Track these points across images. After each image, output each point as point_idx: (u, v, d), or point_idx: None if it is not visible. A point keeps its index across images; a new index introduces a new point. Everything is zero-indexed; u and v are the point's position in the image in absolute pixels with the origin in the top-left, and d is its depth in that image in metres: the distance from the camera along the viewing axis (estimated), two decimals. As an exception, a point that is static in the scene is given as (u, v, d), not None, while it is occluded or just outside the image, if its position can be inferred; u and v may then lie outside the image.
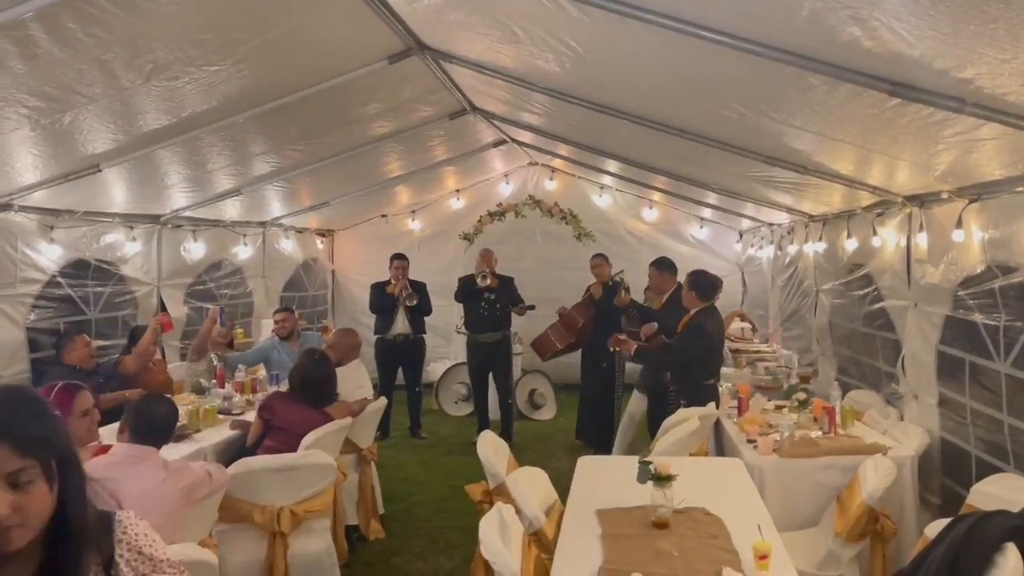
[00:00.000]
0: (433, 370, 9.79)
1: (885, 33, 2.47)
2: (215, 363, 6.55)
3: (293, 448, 4.44)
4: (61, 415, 3.48)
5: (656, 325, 6.53)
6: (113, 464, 3.20)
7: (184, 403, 5.56)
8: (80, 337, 5.56)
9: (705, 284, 5.88)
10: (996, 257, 3.95)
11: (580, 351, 7.99)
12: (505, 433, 7.61)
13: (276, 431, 4.58)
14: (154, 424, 3.40)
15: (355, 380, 5.65)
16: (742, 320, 8.50)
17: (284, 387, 5.47)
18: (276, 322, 7.07)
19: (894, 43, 2.52)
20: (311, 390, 4.70)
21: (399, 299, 8.18)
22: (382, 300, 8.29)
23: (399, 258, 8.43)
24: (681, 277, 6.49)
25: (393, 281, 8.29)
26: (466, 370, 8.90)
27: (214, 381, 6.32)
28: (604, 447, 7.44)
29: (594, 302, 7.67)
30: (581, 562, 3.09)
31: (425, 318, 8.48)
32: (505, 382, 8.21)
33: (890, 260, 5.35)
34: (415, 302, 8.19)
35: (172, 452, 4.32)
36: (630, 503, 3.63)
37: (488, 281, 7.89)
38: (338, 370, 5.36)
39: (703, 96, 4.34)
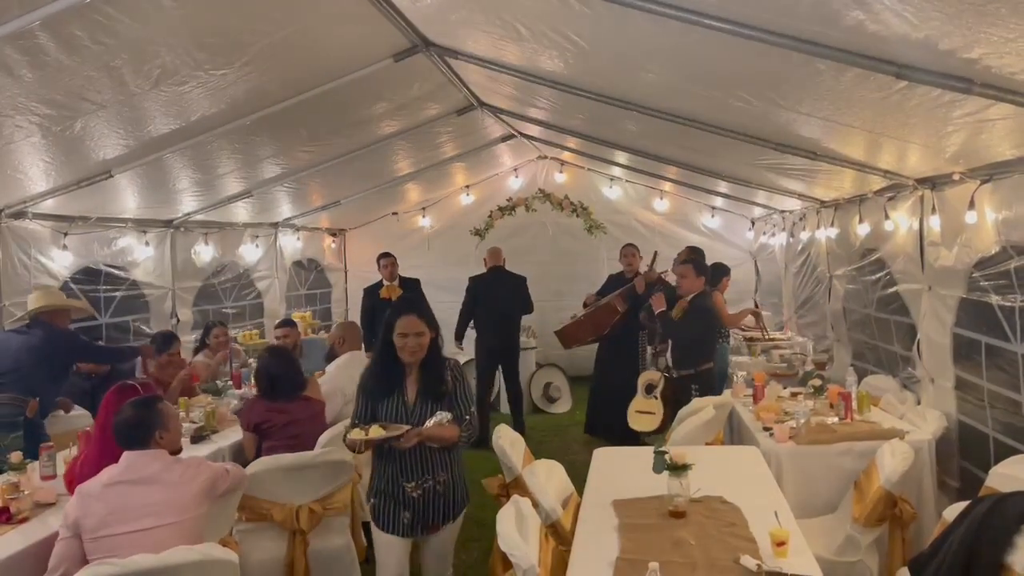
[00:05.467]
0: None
1: (889, 16, 2.46)
2: (232, 365, 6.63)
3: (292, 444, 4.46)
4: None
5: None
6: (131, 472, 3.21)
7: (200, 404, 5.61)
8: None
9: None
10: (1011, 238, 3.92)
11: (596, 344, 7.98)
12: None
13: (270, 434, 4.59)
14: (142, 426, 3.36)
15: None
16: (755, 316, 8.42)
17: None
18: (277, 338, 7.05)
19: (898, 25, 2.51)
20: (280, 384, 4.73)
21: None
22: (376, 303, 8.30)
23: (386, 256, 8.48)
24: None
25: (386, 282, 8.34)
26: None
27: (229, 382, 6.37)
28: (623, 437, 7.36)
29: (633, 296, 7.60)
30: (599, 553, 3.10)
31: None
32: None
33: (903, 244, 5.32)
34: None
35: (192, 453, 4.37)
36: (647, 493, 3.63)
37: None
38: (347, 364, 5.38)
39: (710, 85, 4.33)
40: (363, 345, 8.24)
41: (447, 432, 3.43)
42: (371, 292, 8.51)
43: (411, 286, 8.47)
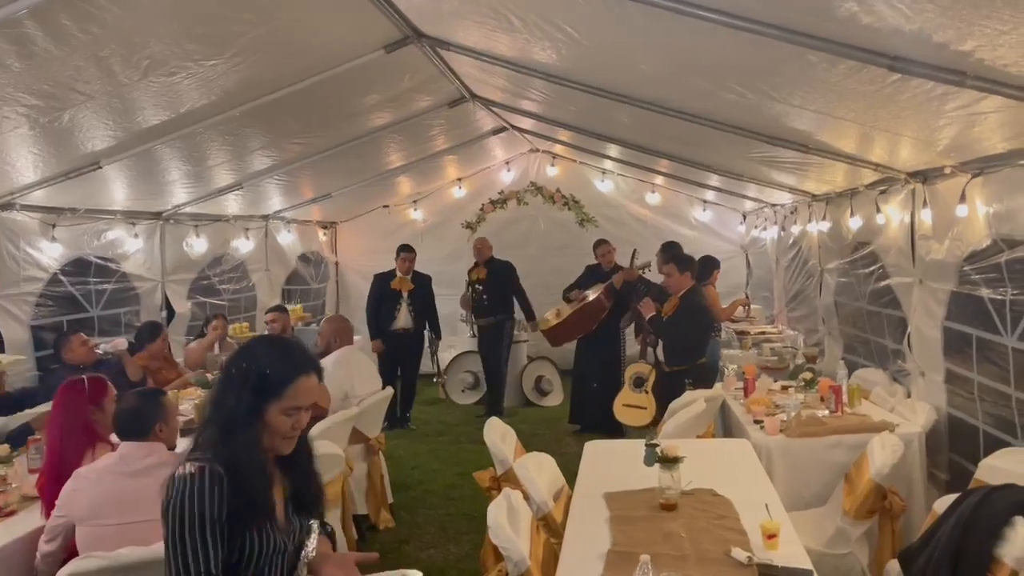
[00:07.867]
0: (441, 359, 9.81)
1: (882, 7, 2.45)
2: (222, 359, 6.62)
3: None
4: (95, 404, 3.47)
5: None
6: (126, 464, 3.18)
7: (190, 397, 5.60)
8: (76, 336, 5.55)
9: None
10: (1001, 231, 3.93)
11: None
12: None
13: None
14: (143, 416, 3.34)
15: (364, 369, 5.74)
16: (745, 307, 8.50)
17: None
18: (267, 322, 7.17)
19: (892, 17, 2.50)
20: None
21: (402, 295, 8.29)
22: (385, 293, 8.34)
23: (407, 250, 8.45)
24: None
25: (399, 274, 8.33)
26: (472, 359, 9.22)
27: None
28: (608, 429, 7.35)
29: (615, 290, 7.64)
30: (590, 545, 3.09)
31: (435, 311, 8.63)
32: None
33: (894, 237, 5.33)
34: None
35: (183, 446, 4.34)
36: (638, 486, 3.64)
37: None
38: (345, 360, 5.38)
39: (702, 77, 4.32)
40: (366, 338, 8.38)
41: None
42: (382, 280, 8.44)
43: (423, 282, 8.49)
